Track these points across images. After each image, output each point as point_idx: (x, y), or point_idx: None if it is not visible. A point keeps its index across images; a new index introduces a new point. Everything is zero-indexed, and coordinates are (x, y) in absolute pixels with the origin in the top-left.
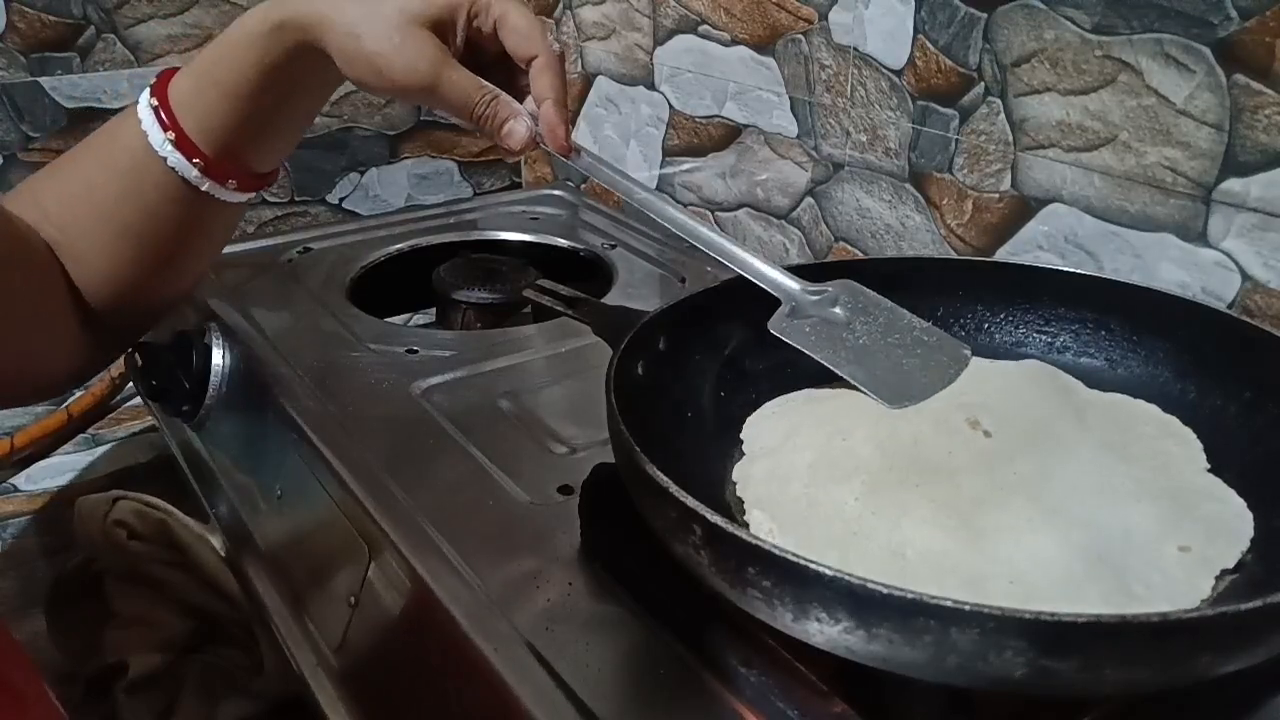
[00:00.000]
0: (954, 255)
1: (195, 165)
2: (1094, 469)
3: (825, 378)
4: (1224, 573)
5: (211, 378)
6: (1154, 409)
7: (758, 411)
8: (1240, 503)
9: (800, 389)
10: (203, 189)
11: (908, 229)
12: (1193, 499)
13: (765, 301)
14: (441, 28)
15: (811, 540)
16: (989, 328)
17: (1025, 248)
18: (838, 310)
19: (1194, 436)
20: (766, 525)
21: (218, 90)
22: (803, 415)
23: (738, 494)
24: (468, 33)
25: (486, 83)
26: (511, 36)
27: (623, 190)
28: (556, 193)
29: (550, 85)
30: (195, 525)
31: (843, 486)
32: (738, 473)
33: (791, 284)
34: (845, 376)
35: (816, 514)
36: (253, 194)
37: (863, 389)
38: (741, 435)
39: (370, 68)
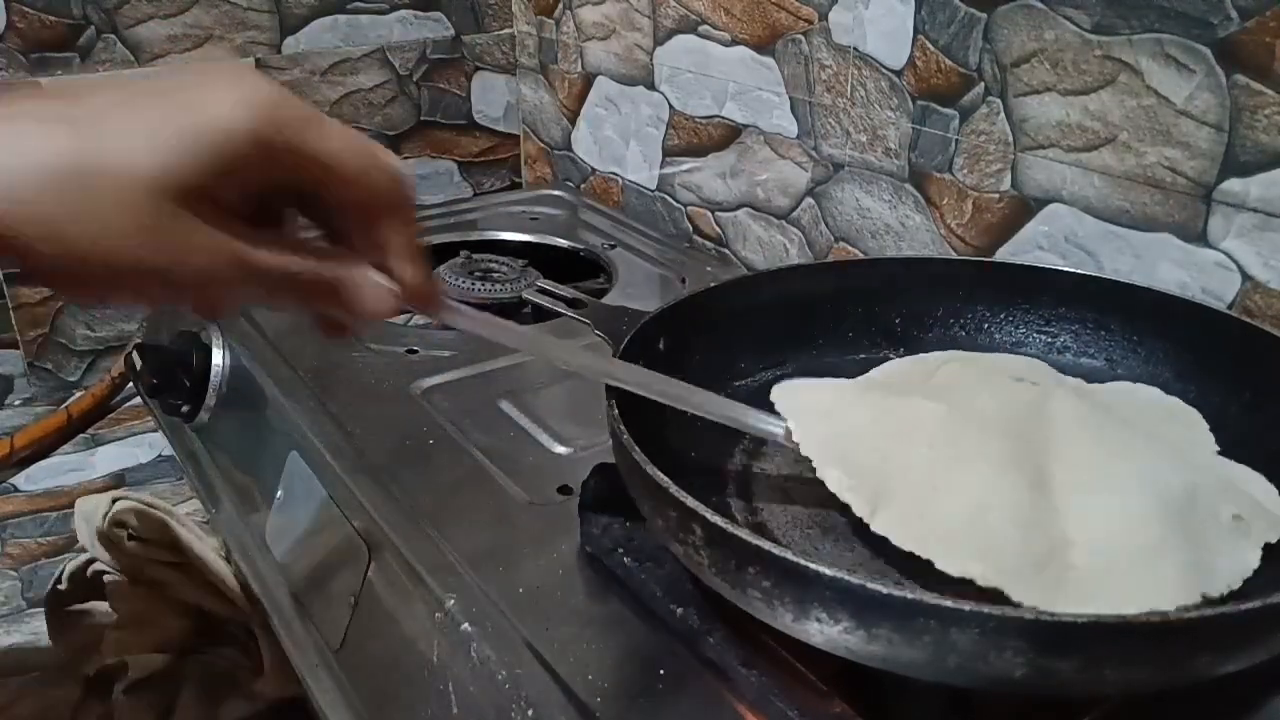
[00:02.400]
0: (954, 255)
1: None
2: (1129, 435)
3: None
4: None
5: (211, 378)
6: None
7: (784, 384)
8: (1266, 482)
9: None
10: None
11: (908, 229)
12: (1226, 472)
13: (764, 302)
14: (216, 197)
15: (891, 498)
16: (989, 328)
17: (1025, 248)
18: None
19: (1200, 418)
20: (845, 483)
21: None
22: (842, 389)
23: (802, 453)
24: (263, 190)
25: (303, 243)
26: (342, 188)
27: (512, 343)
28: (556, 193)
29: (405, 243)
30: (195, 525)
31: (911, 444)
32: (799, 433)
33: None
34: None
35: (891, 468)
36: None
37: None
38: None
39: (113, 277)
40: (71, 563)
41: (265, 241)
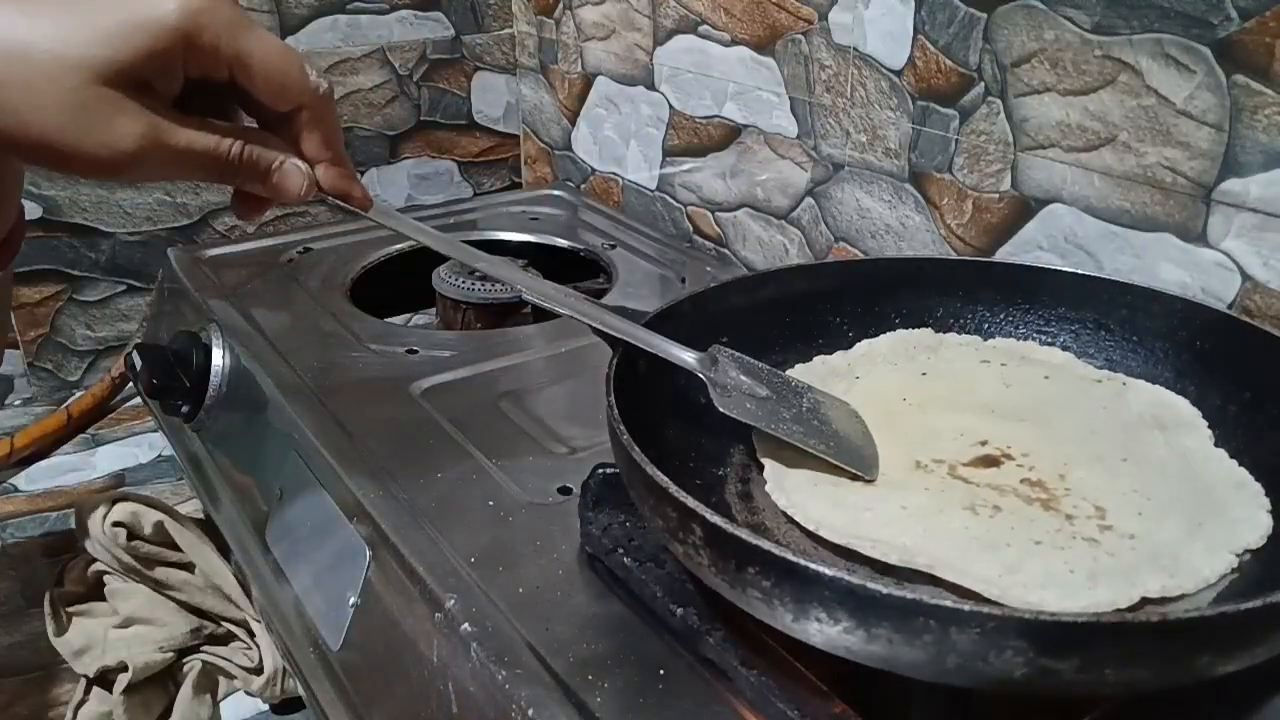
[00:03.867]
0: (954, 255)
1: None
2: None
3: None
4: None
5: (211, 378)
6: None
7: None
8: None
9: None
10: None
11: (908, 229)
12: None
13: (764, 302)
14: (139, 82)
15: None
16: (989, 327)
17: (1025, 248)
18: (755, 386)
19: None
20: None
21: None
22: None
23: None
24: (189, 84)
25: (226, 125)
26: (260, 85)
27: (429, 242)
28: (556, 193)
29: (321, 142)
30: (195, 525)
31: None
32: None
33: (689, 358)
34: (816, 453)
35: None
36: None
37: (839, 463)
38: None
39: (49, 154)
40: (71, 563)
41: (191, 124)
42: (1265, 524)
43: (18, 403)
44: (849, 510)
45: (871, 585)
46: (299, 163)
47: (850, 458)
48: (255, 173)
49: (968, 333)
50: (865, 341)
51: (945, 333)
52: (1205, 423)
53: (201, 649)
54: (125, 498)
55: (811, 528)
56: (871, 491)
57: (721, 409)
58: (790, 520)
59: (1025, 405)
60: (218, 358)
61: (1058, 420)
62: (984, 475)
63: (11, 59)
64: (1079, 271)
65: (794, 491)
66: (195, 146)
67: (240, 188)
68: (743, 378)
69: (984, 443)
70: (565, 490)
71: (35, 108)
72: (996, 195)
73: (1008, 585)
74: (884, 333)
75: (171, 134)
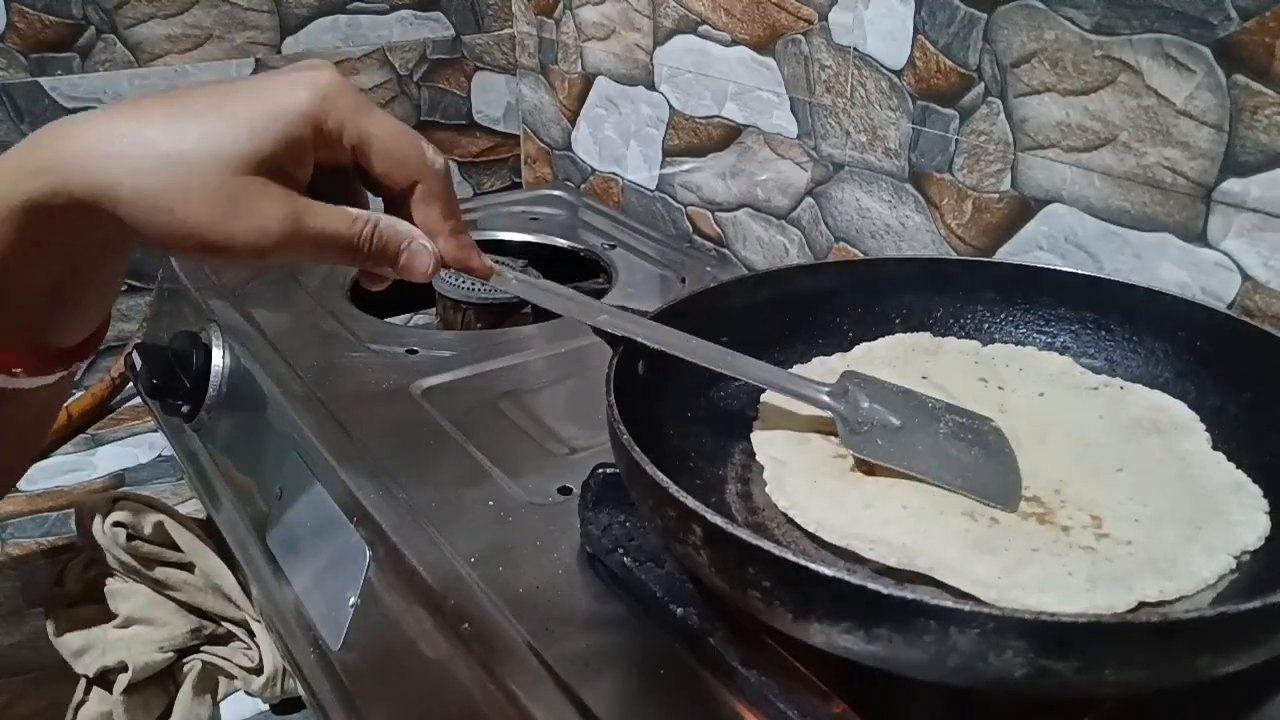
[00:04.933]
0: (954, 255)
1: None
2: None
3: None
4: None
5: (211, 378)
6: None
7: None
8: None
9: None
10: None
11: (908, 229)
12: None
13: (764, 302)
14: (280, 169)
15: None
16: (989, 328)
17: (1025, 248)
18: (887, 415)
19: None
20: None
21: None
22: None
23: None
24: (318, 167)
25: (357, 210)
26: (381, 164)
27: (569, 311)
28: (556, 193)
29: (440, 215)
30: (195, 525)
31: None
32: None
33: (822, 396)
34: (951, 490)
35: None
36: (62, 372)
37: (980, 499)
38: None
39: (200, 244)
40: (71, 563)
41: (324, 206)
42: (1263, 525)
43: None
44: (849, 509)
45: (872, 585)
46: (426, 242)
47: (988, 489)
48: (385, 255)
49: (967, 333)
50: (864, 344)
51: (944, 336)
52: (1203, 426)
53: (201, 649)
54: (125, 498)
55: (811, 529)
56: (872, 489)
57: (851, 450)
58: (790, 520)
59: (1021, 429)
60: (218, 358)
61: (1053, 439)
62: None
63: (168, 164)
64: (1079, 271)
65: (794, 491)
66: (330, 228)
67: (370, 270)
68: (875, 406)
69: None
70: (565, 490)
71: (189, 204)
72: (996, 195)
73: (1006, 588)
74: (884, 332)
75: (310, 216)
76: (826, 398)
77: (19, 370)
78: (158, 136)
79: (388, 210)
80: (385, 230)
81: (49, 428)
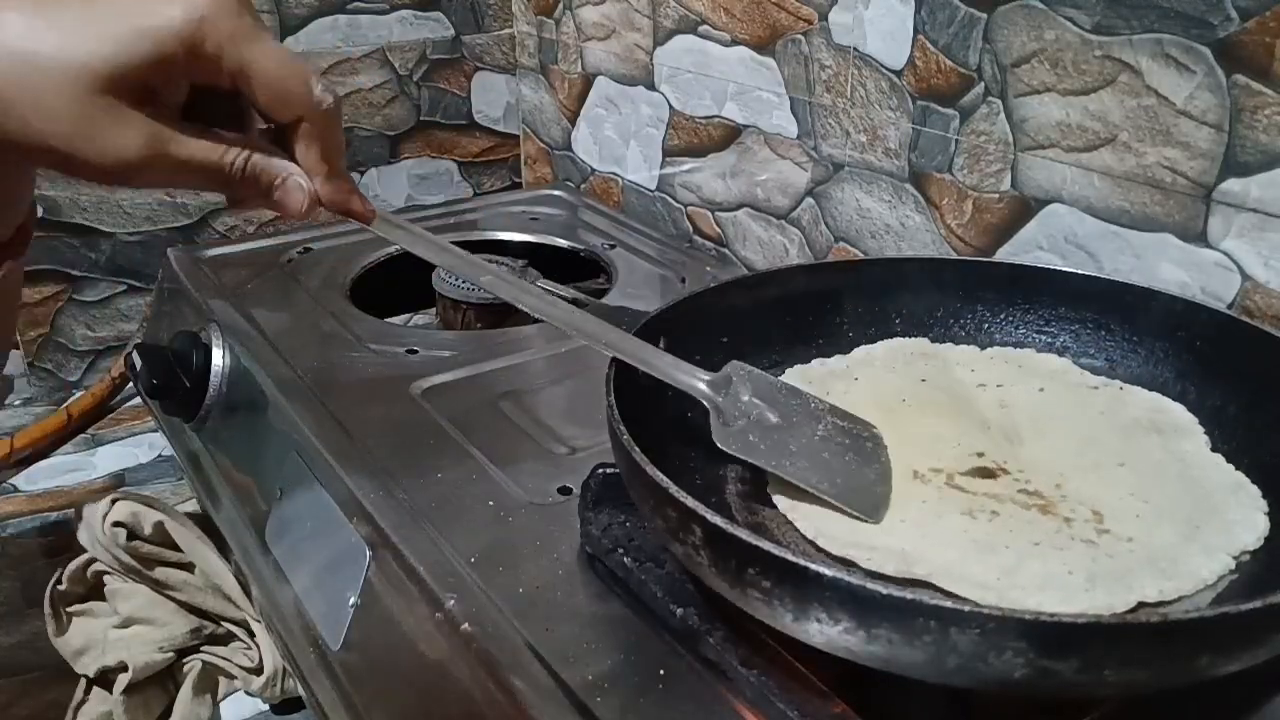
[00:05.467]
0: (954, 255)
1: None
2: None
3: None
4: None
5: (211, 378)
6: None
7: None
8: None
9: None
10: None
11: (908, 229)
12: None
13: (764, 302)
14: (144, 88)
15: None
16: (989, 328)
17: (1025, 248)
18: (766, 411)
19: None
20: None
21: None
22: None
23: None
24: (192, 94)
25: (228, 142)
26: (263, 95)
27: (432, 256)
28: (556, 193)
29: (319, 155)
30: (195, 525)
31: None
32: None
33: (699, 384)
34: (816, 493)
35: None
36: None
37: (845, 508)
38: None
39: (53, 159)
40: (71, 563)
41: (195, 134)
42: (1262, 526)
43: (18, 403)
44: (848, 519)
45: (872, 586)
46: (301, 180)
47: (856, 498)
48: (257, 188)
49: (967, 333)
50: (863, 348)
51: (943, 341)
52: (1202, 428)
53: (201, 649)
54: (125, 498)
55: (811, 536)
56: None
57: (719, 444)
58: (790, 522)
59: (1021, 424)
60: (218, 358)
61: (1053, 435)
62: (981, 485)
63: (16, 64)
64: (1079, 271)
65: (796, 494)
66: (197, 158)
67: (242, 200)
68: (755, 400)
69: (981, 454)
70: (565, 490)
71: (40, 113)
72: (996, 195)
73: (1005, 589)
74: (884, 333)
75: (175, 144)
76: (703, 386)
77: None
78: (13, 32)
79: (274, 140)
80: (258, 163)
81: (8, 329)
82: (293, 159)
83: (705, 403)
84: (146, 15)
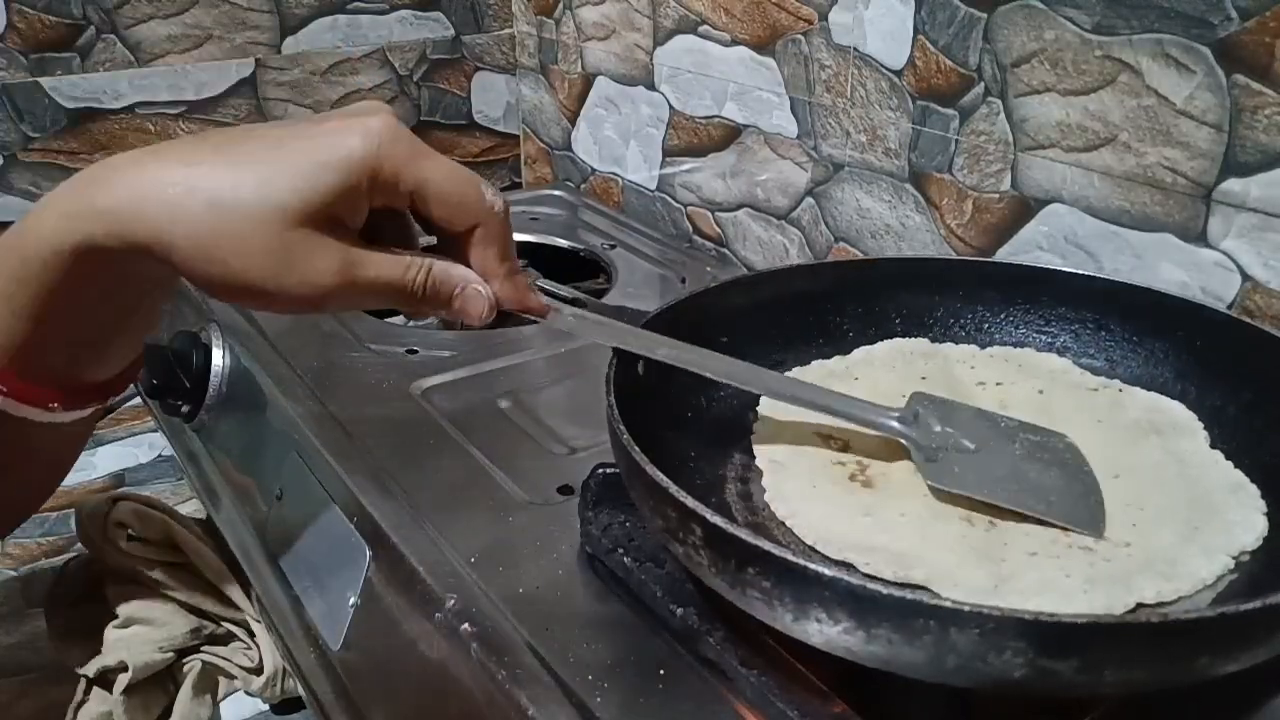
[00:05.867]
0: (954, 255)
1: None
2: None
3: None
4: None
5: (211, 378)
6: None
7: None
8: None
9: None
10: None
11: (908, 229)
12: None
13: (764, 302)
14: (334, 219)
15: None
16: (989, 328)
17: (1025, 248)
18: (961, 439)
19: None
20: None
21: (7, 305)
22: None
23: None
24: (373, 211)
25: (409, 256)
26: (439, 209)
27: (628, 344)
28: (556, 193)
29: (497, 258)
30: (195, 525)
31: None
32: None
33: (892, 423)
34: (1042, 517)
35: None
36: (96, 406)
37: (1070, 527)
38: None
39: (251, 295)
40: (71, 563)
41: (379, 255)
42: (1261, 526)
43: None
44: (847, 516)
45: (871, 586)
46: (480, 287)
47: (1075, 514)
48: (439, 300)
49: (967, 333)
50: (863, 348)
51: (943, 340)
52: (1201, 427)
53: (201, 649)
54: (125, 498)
55: (810, 541)
56: (870, 497)
57: (931, 482)
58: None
59: None
60: (218, 358)
61: None
62: None
63: (222, 211)
64: (1079, 271)
65: (792, 497)
66: (384, 276)
67: (421, 312)
68: (948, 429)
69: None
70: (565, 490)
71: (241, 254)
72: (996, 195)
73: (1005, 593)
74: (884, 333)
75: (363, 266)
76: (897, 424)
77: (55, 405)
78: (213, 185)
79: (442, 248)
80: (439, 275)
81: (77, 455)
82: (467, 265)
83: (905, 442)
84: (331, 149)
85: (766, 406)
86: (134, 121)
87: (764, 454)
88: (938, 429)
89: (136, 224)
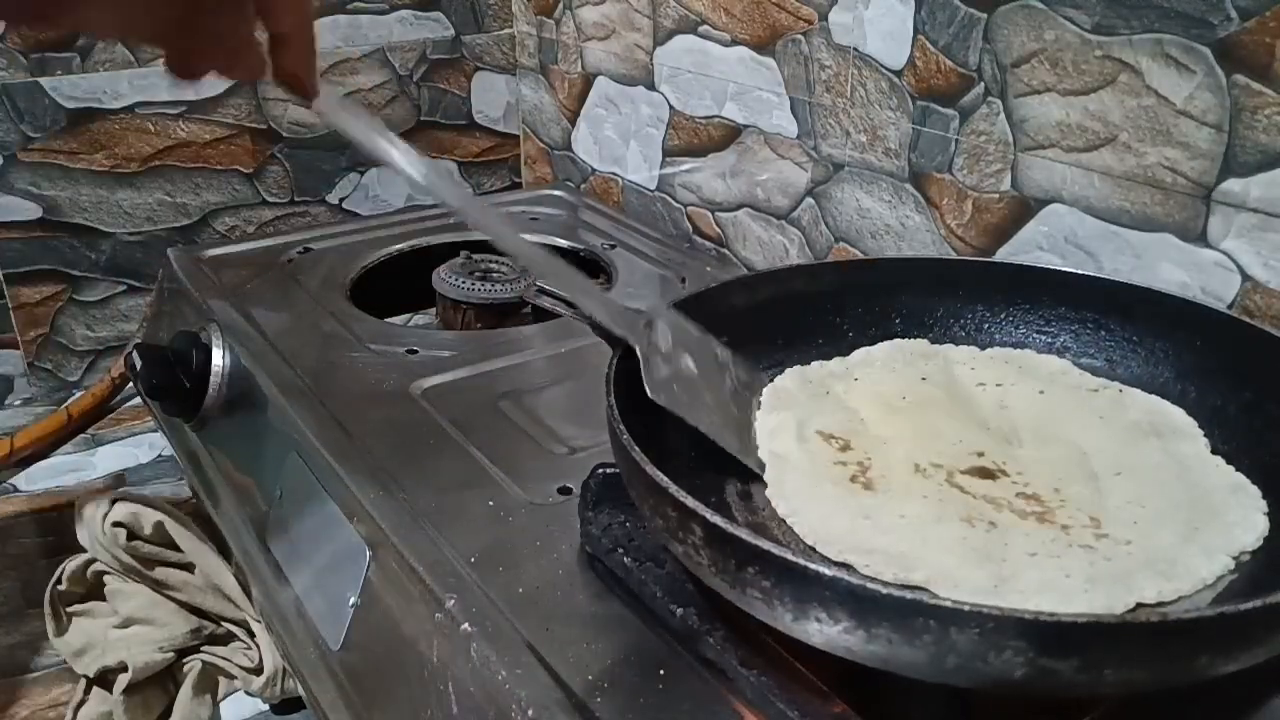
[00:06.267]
0: (954, 255)
1: None
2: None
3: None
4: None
5: (211, 378)
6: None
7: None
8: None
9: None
10: None
11: (908, 229)
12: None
13: (764, 302)
14: None
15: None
16: (989, 328)
17: (1025, 248)
18: (687, 361)
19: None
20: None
21: None
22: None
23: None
24: None
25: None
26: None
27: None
28: (556, 193)
29: (288, 23)
30: (195, 525)
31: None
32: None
33: (625, 333)
34: (725, 447)
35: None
36: None
37: (744, 460)
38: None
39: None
40: (71, 563)
41: None
42: (1261, 526)
43: (18, 403)
44: (847, 516)
45: (871, 585)
46: (263, 50)
47: (748, 454)
48: (217, 46)
49: (967, 334)
50: (862, 349)
51: (943, 341)
52: (1201, 430)
53: (201, 649)
54: (125, 498)
55: (810, 542)
56: (870, 498)
57: (651, 394)
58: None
59: (1021, 426)
60: (218, 358)
61: (1052, 440)
62: (981, 486)
63: None
64: (1079, 271)
65: (794, 496)
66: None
67: (193, 57)
68: (677, 349)
69: (981, 454)
70: (565, 490)
71: None
72: (996, 195)
73: (1005, 594)
74: (884, 333)
75: None
76: (629, 335)
77: None
78: None
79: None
80: (230, 25)
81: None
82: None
83: (639, 351)
84: None
85: (767, 407)
86: (134, 121)
87: (765, 453)
88: (665, 348)
89: None
